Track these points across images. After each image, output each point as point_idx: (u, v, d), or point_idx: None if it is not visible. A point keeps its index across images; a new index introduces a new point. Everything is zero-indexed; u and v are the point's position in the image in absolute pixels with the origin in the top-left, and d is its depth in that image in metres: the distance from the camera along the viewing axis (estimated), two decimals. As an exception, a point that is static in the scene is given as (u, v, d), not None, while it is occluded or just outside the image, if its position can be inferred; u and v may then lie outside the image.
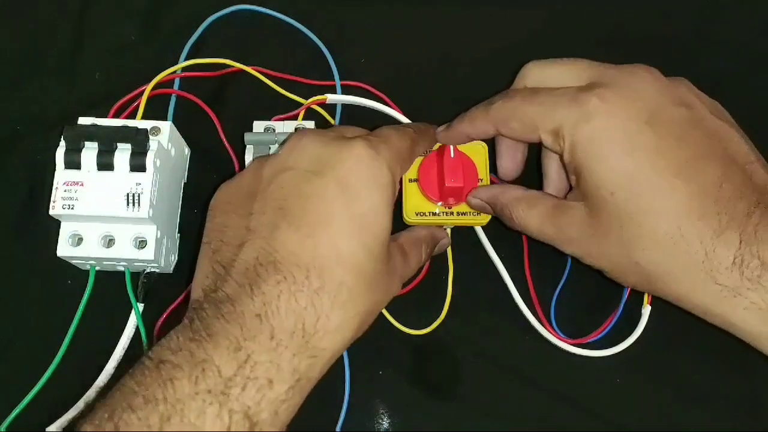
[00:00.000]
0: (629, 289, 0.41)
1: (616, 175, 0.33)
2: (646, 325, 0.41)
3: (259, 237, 0.31)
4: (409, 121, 0.43)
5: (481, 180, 0.40)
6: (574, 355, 0.41)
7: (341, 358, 0.40)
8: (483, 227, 0.42)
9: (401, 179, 0.40)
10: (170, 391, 0.27)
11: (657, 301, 0.41)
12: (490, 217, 0.40)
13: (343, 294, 0.30)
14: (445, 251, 0.42)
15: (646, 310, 0.41)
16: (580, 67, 0.38)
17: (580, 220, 0.35)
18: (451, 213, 0.40)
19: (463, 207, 0.40)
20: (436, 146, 0.40)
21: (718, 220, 0.31)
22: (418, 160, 0.41)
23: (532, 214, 0.37)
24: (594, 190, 0.34)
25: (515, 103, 0.38)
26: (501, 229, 0.42)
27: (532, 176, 0.42)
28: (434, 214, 0.40)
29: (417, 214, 0.40)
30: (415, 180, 0.40)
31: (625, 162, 0.33)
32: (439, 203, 0.40)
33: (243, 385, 0.27)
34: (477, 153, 0.40)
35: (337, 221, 0.31)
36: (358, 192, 0.32)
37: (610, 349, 0.41)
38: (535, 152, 0.42)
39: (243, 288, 0.30)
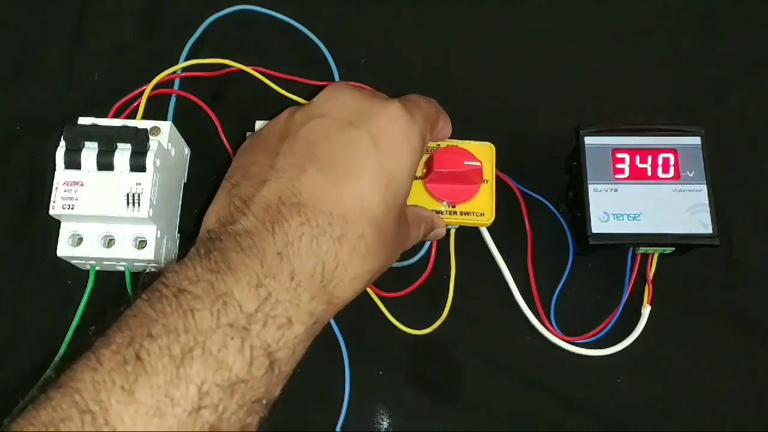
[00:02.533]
0: (629, 288, 0.41)
1: None
2: (645, 325, 0.41)
3: (284, 177, 0.31)
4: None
5: (486, 181, 0.40)
6: (574, 354, 0.41)
7: (341, 358, 0.40)
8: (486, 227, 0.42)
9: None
10: (191, 322, 0.26)
11: (657, 301, 0.41)
12: (493, 217, 0.40)
13: (362, 246, 0.30)
14: (449, 252, 0.42)
15: (646, 310, 0.41)
16: None
17: None
18: (455, 212, 0.40)
19: (466, 207, 0.40)
20: (444, 144, 0.40)
21: None
22: (423, 158, 0.41)
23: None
24: None
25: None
26: (504, 230, 0.42)
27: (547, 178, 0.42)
28: (438, 212, 0.40)
29: None
30: (420, 178, 0.40)
31: None
32: (444, 202, 0.40)
33: (264, 321, 0.27)
34: (484, 153, 0.40)
35: (366, 174, 0.31)
36: (390, 150, 0.32)
37: (610, 348, 0.41)
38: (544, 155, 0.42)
39: (264, 224, 0.29)
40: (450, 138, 0.41)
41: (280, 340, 0.28)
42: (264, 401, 0.28)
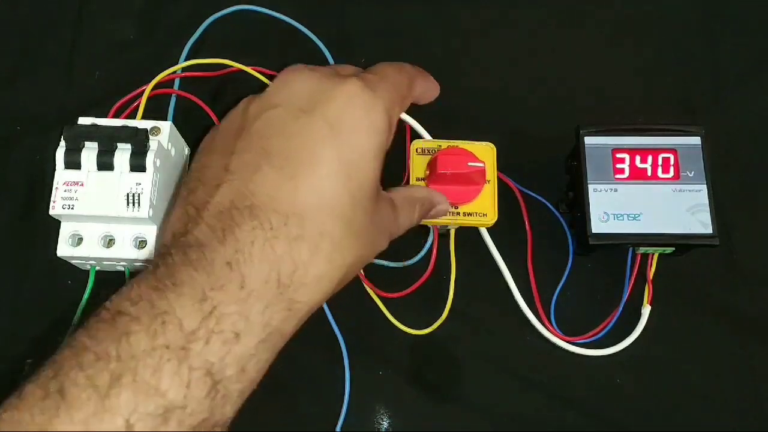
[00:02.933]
0: (629, 288, 0.41)
1: None
2: (645, 325, 0.41)
3: (237, 178, 0.29)
4: (411, 120, 0.43)
5: (488, 181, 0.40)
6: (574, 354, 0.41)
7: (341, 358, 0.40)
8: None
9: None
10: (125, 346, 0.24)
11: (657, 301, 0.41)
12: (495, 218, 0.40)
13: (324, 244, 0.28)
14: (449, 252, 0.42)
15: (646, 310, 0.41)
16: None
17: None
18: (458, 213, 0.40)
19: (469, 207, 0.40)
20: (445, 145, 0.40)
21: None
22: (425, 159, 0.41)
23: None
24: None
25: None
26: (504, 230, 0.42)
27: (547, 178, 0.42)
28: None
29: None
30: (422, 179, 0.40)
31: None
32: None
33: (206, 338, 0.25)
34: (485, 153, 0.40)
35: (323, 164, 0.29)
36: (349, 134, 0.29)
37: (610, 348, 0.41)
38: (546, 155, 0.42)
39: (215, 233, 0.27)
40: (450, 138, 0.41)
41: (226, 357, 0.26)
42: (211, 424, 0.26)
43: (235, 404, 0.27)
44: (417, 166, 0.41)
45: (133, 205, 0.37)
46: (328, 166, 0.29)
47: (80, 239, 0.38)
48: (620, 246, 0.41)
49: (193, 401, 0.25)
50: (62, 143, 0.37)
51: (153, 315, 0.25)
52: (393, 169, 0.44)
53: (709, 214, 0.39)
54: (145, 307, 0.25)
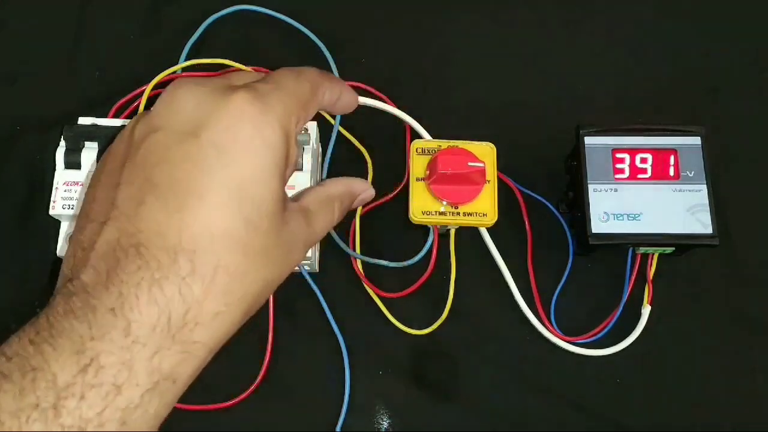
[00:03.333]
0: (629, 288, 0.41)
1: None
2: (645, 325, 0.41)
3: (122, 214, 0.26)
4: (411, 120, 0.43)
5: (488, 181, 0.40)
6: (574, 354, 0.41)
7: (341, 358, 0.40)
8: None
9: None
10: None
11: (657, 301, 0.41)
12: (495, 218, 0.40)
13: (221, 277, 0.26)
14: (449, 252, 0.42)
15: (646, 310, 0.41)
16: None
17: None
18: (458, 213, 0.40)
19: (469, 207, 0.40)
20: (445, 145, 0.40)
21: None
22: (425, 159, 0.40)
23: None
24: None
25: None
26: (504, 230, 0.42)
27: (547, 179, 0.42)
28: (441, 213, 0.40)
29: (424, 213, 0.40)
30: (422, 179, 0.40)
31: None
32: (445, 202, 0.40)
33: (81, 394, 0.23)
34: (485, 153, 0.40)
35: (212, 192, 0.26)
36: (239, 155, 0.27)
37: (610, 348, 0.41)
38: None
39: (100, 276, 0.25)
40: (450, 138, 0.41)
41: (104, 412, 0.24)
42: None
43: None
44: (417, 166, 0.41)
45: (133, 205, 0.37)
46: (217, 194, 0.26)
47: (80, 239, 0.38)
48: (620, 246, 0.41)
49: None
50: (62, 143, 0.37)
51: (24, 371, 0.23)
52: (393, 169, 0.44)
53: (709, 214, 0.39)
54: (19, 364, 0.24)
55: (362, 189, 0.36)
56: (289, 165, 0.30)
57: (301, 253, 0.31)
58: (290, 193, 0.33)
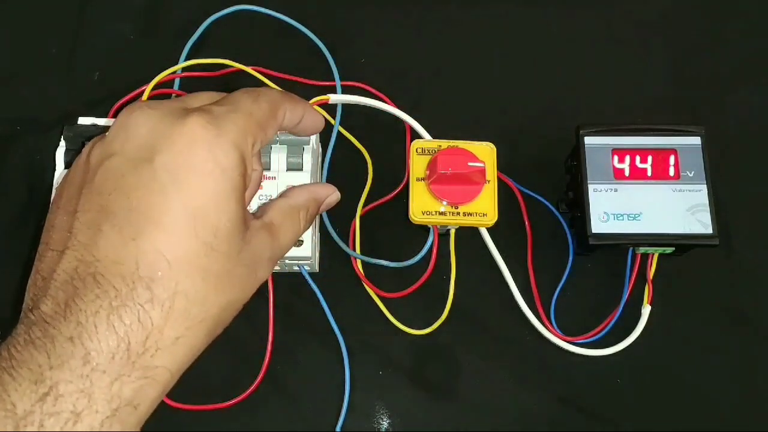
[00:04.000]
0: (629, 288, 0.41)
1: None
2: (645, 325, 0.41)
3: (80, 243, 0.27)
4: (411, 120, 0.43)
5: (489, 181, 0.40)
6: (574, 354, 0.41)
7: (341, 358, 0.40)
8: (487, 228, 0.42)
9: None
10: None
11: (657, 301, 0.41)
12: (495, 218, 0.40)
13: (179, 302, 0.26)
14: (449, 252, 0.42)
15: (646, 310, 0.41)
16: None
17: None
18: (458, 213, 0.40)
19: (469, 207, 0.40)
20: (445, 145, 0.40)
21: None
22: (425, 159, 0.41)
23: None
24: None
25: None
26: (504, 230, 0.42)
27: (547, 178, 0.42)
28: (441, 213, 0.40)
29: (424, 213, 0.40)
30: (422, 179, 0.40)
31: None
32: (445, 202, 0.40)
33: (41, 422, 0.24)
34: (485, 153, 0.40)
35: (167, 218, 0.26)
36: (193, 180, 0.27)
37: (610, 348, 0.41)
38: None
39: (59, 306, 0.26)
40: (450, 138, 0.41)
41: None
42: None
43: None
44: (417, 166, 0.41)
45: (133, 205, 0.37)
46: (173, 220, 0.26)
47: (80, 239, 0.38)
48: (620, 246, 0.41)
49: None
50: (62, 143, 0.37)
51: None
52: (393, 169, 0.44)
53: (709, 214, 0.39)
54: None
55: (327, 194, 0.35)
56: (250, 185, 0.30)
57: (266, 270, 0.31)
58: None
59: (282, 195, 0.34)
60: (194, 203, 0.27)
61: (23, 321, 0.26)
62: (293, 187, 0.34)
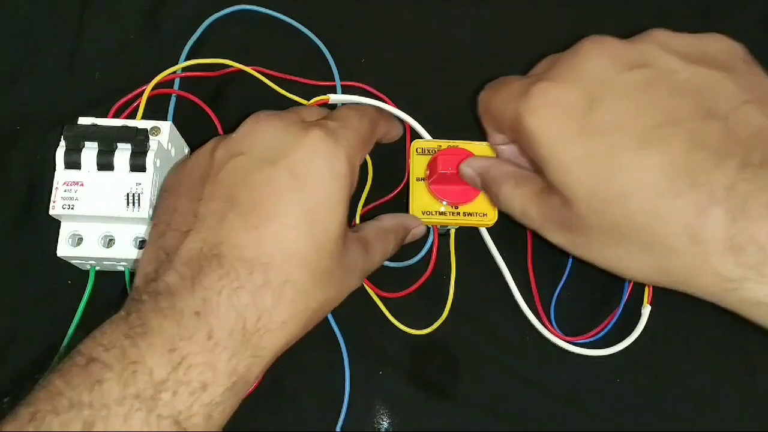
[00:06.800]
0: (629, 288, 0.41)
1: (572, 163, 0.30)
2: (646, 325, 0.41)
3: (205, 226, 0.30)
4: (411, 120, 0.43)
5: None
6: (574, 354, 0.41)
7: (341, 358, 0.40)
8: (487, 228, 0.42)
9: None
10: (97, 394, 0.25)
11: (657, 301, 0.41)
12: (495, 218, 0.40)
13: (288, 291, 0.29)
14: (449, 251, 0.42)
15: (646, 310, 0.41)
16: (551, 56, 0.36)
17: (559, 210, 0.32)
18: (458, 213, 0.40)
19: (469, 207, 0.40)
20: (445, 145, 0.40)
21: (696, 196, 0.27)
22: (425, 159, 0.41)
23: (517, 194, 0.35)
24: (558, 184, 0.31)
25: (487, 94, 0.36)
26: (503, 230, 0.42)
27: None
28: (441, 213, 0.40)
29: (424, 213, 0.40)
30: (422, 179, 0.40)
31: (577, 149, 0.30)
32: (445, 202, 0.40)
33: (174, 389, 0.26)
34: (485, 153, 0.40)
35: (286, 214, 0.30)
36: (311, 184, 0.30)
37: (610, 348, 0.41)
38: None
39: (184, 281, 0.28)
40: (450, 138, 0.41)
41: (192, 407, 0.27)
42: None
43: None
44: (417, 166, 0.41)
45: (133, 205, 0.37)
46: (291, 216, 0.30)
47: (80, 239, 0.39)
48: (620, 246, 0.41)
49: None
50: (62, 143, 0.37)
51: (125, 364, 0.26)
52: (393, 169, 0.44)
53: (709, 214, 0.39)
54: (117, 355, 0.26)
55: (414, 224, 0.39)
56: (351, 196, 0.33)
57: (358, 279, 0.35)
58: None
59: (374, 219, 0.38)
60: (311, 204, 0.30)
61: (146, 290, 0.29)
62: (385, 214, 0.39)
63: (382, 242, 0.36)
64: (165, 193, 0.33)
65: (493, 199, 0.37)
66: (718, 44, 0.32)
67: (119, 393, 0.25)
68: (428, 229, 0.42)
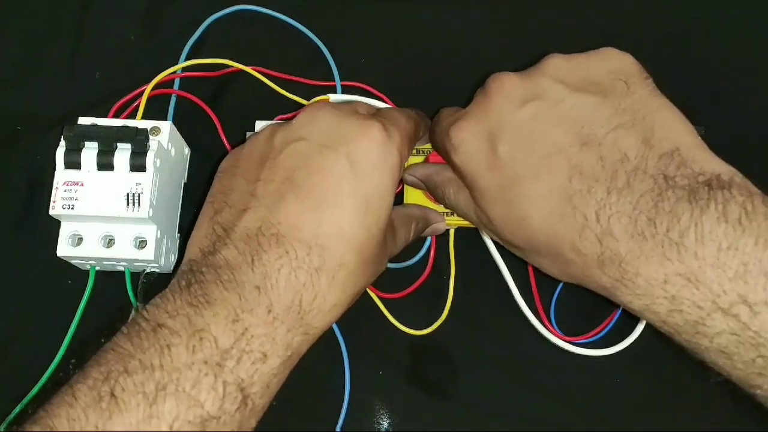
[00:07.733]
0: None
1: (488, 192, 0.34)
2: (646, 325, 0.41)
3: (263, 205, 0.31)
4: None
5: None
6: (574, 354, 0.41)
7: (341, 358, 0.40)
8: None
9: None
10: (167, 358, 0.26)
11: (657, 301, 0.41)
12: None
13: (341, 274, 0.30)
14: (448, 252, 0.42)
15: (646, 310, 0.41)
16: (480, 88, 0.38)
17: (488, 224, 0.35)
18: (452, 213, 0.40)
19: None
20: None
21: (574, 220, 0.31)
22: (419, 160, 0.41)
23: (460, 197, 0.37)
24: (481, 207, 0.35)
25: (430, 127, 0.39)
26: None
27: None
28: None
29: None
30: None
31: (489, 181, 0.33)
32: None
33: (238, 357, 0.27)
34: None
35: (344, 199, 0.31)
36: (368, 172, 0.31)
37: (610, 348, 0.41)
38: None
39: (244, 256, 0.29)
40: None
41: (254, 375, 0.28)
42: None
43: (258, 417, 0.29)
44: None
45: (133, 205, 0.37)
46: (348, 201, 0.31)
47: (80, 239, 0.39)
48: (620, 246, 0.41)
49: (226, 414, 0.27)
50: (62, 143, 0.37)
51: (191, 331, 0.27)
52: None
53: (709, 214, 0.39)
54: (183, 323, 0.27)
55: (437, 219, 0.40)
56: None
57: (385, 263, 0.35)
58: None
59: (399, 206, 0.39)
60: (366, 191, 0.31)
61: (205, 263, 0.30)
62: (412, 204, 0.40)
63: (405, 229, 0.37)
64: (221, 174, 0.34)
65: (440, 201, 0.39)
66: (603, 64, 0.35)
67: (188, 358, 0.26)
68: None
